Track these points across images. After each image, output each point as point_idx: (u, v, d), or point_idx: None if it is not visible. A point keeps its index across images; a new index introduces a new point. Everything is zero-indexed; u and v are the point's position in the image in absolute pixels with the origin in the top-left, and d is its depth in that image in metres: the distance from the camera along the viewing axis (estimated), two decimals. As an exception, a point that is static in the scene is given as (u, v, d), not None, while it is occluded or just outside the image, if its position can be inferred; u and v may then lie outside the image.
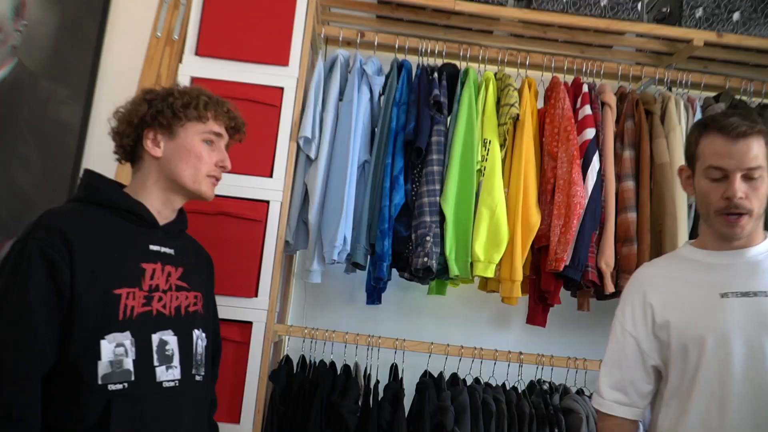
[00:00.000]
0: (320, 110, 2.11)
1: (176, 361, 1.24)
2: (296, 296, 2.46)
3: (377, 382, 2.13)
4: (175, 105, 1.29)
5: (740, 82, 2.36)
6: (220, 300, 1.63)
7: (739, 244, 1.34)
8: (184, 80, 2.06)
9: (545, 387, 2.19)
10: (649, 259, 2.03)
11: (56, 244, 1.12)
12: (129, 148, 1.31)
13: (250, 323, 1.98)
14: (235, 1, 2.10)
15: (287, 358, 2.19)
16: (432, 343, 2.17)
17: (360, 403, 2.02)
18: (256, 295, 1.99)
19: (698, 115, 2.18)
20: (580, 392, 2.19)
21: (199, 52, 2.08)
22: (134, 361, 1.17)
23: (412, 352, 2.18)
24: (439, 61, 2.29)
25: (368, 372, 2.16)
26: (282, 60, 2.08)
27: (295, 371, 2.16)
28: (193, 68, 2.07)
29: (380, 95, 2.18)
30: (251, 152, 2.03)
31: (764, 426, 1.22)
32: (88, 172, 1.32)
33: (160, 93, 1.31)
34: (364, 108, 2.12)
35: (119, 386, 1.14)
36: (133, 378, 1.16)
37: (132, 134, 1.30)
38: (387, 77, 2.19)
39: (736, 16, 2.24)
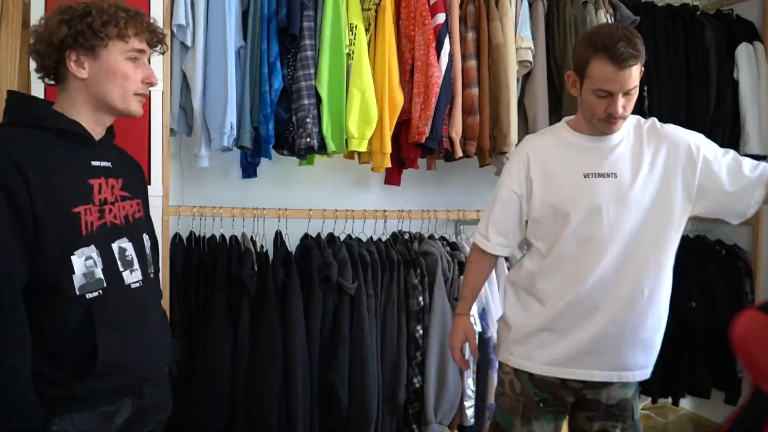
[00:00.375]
0: (190, -5, 2.11)
1: (136, 264, 1.38)
2: (173, 176, 2.55)
3: (265, 248, 2.42)
4: (95, 25, 1.28)
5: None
6: None
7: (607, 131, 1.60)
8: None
9: (406, 236, 2.64)
10: (489, 127, 2.46)
11: (10, 171, 1.17)
12: (51, 68, 1.32)
13: (146, 210, 2.09)
14: None
15: (179, 236, 2.36)
16: (311, 210, 2.47)
17: (256, 269, 2.30)
18: (149, 183, 2.07)
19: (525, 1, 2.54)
20: (432, 237, 2.68)
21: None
22: (103, 270, 1.30)
23: (293, 218, 2.47)
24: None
25: (255, 240, 2.42)
26: (145, -59, 2.01)
27: (189, 247, 2.34)
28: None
29: (247, -22, 2.22)
30: (125, 41, 2.00)
31: (628, 269, 1.55)
32: (13, 93, 1.32)
33: (78, 12, 1.30)
34: (235, -7, 2.16)
35: (95, 293, 1.28)
36: (105, 285, 1.29)
37: (54, 55, 1.29)
38: (253, -41, 2.21)
39: None
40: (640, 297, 1.56)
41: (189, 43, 2.12)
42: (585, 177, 1.58)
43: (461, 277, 2.42)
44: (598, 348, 1.58)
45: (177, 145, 2.50)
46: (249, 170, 2.55)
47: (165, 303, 2.13)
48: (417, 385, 2.42)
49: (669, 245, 1.57)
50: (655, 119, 1.64)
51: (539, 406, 1.66)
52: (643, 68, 1.50)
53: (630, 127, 1.61)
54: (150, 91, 2.01)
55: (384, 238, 2.61)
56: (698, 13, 2.92)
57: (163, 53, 1.49)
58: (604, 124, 1.54)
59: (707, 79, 2.82)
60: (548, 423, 1.67)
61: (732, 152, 1.59)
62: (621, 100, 1.48)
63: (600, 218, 1.55)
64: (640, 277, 1.56)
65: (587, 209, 1.56)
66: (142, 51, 1.37)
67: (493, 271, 2.09)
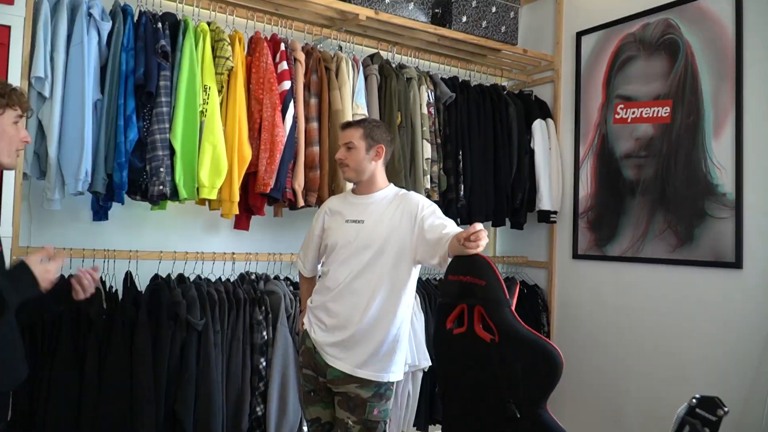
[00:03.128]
0: (50, 50, 2.27)
1: None
2: (22, 218, 2.59)
3: (114, 289, 2.55)
4: None
5: (387, 46, 3.24)
6: None
7: (364, 190, 2.28)
8: None
9: (253, 277, 2.88)
10: (328, 181, 2.82)
11: None
12: None
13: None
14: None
15: (25, 277, 2.41)
16: (161, 252, 2.65)
17: (105, 307, 2.42)
18: (-1, 224, 2.17)
19: (361, 74, 2.96)
20: (277, 278, 2.95)
21: None
22: None
23: (144, 260, 2.63)
24: (157, 4, 2.59)
25: (105, 281, 2.54)
26: (6, -2, 2.15)
27: (35, 287, 2.41)
28: None
29: (108, 38, 2.41)
30: (-19, 89, 2.11)
31: (351, 292, 2.18)
32: None
33: None
34: (93, 50, 2.34)
35: None
36: None
37: None
38: (113, 20, 2.42)
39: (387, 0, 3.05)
40: (368, 313, 2.16)
41: (47, 94, 2.26)
42: (346, 222, 2.25)
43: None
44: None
45: (26, 188, 2.57)
46: (100, 213, 2.67)
47: (9, 341, 2.20)
48: (260, 413, 2.64)
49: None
50: (412, 193, 2.31)
51: (310, 394, 2.27)
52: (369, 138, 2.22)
53: (390, 194, 2.28)
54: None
55: (232, 279, 2.84)
56: (504, 92, 3.53)
57: (30, 116, 1.69)
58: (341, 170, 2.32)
59: (510, 146, 3.41)
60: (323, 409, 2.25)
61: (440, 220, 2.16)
62: (343, 151, 2.24)
63: (349, 251, 2.20)
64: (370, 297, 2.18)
65: (344, 243, 2.22)
66: (20, 116, 1.60)
67: None
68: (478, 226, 1.84)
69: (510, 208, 3.43)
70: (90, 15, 2.34)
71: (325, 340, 2.20)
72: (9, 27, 2.16)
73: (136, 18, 2.49)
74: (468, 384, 1.90)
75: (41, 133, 2.30)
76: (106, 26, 2.38)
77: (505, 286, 1.80)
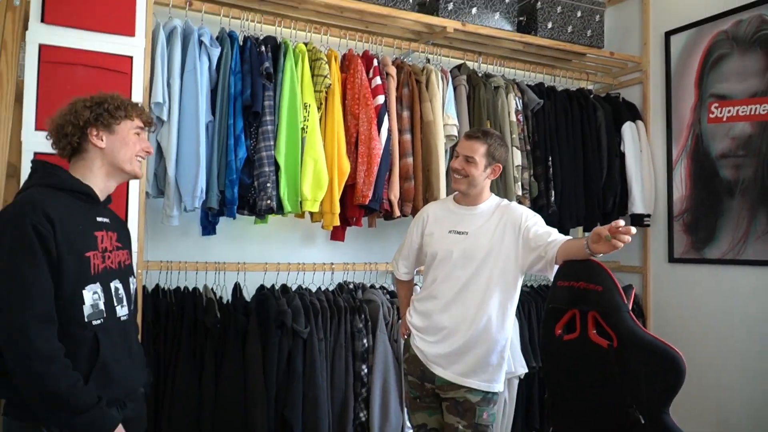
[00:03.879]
0: (167, 77, 2.44)
1: (125, 302, 1.69)
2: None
3: (221, 298, 2.69)
4: (110, 108, 1.65)
5: (473, 56, 3.29)
6: None
7: (469, 202, 2.27)
8: (31, 47, 2.18)
9: (351, 286, 2.97)
10: (422, 191, 2.88)
11: (43, 222, 1.48)
12: (75, 143, 1.64)
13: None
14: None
15: (145, 289, 2.59)
16: (266, 263, 2.78)
17: (219, 316, 2.56)
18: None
19: (450, 84, 3.02)
20: (373, 287, 3.03)
21: (45, 20, 2.20)
22: (104, 303, 1.60)
23: (251, 271, 2.76)
24: (257, 28, 2.74)
25: (215, 292, 2.69)
26: (129, 30, 2.32)
27: (156, 298, 2.58)
28: (40, 35, 2.19)
29: (217, 62, 2.56)
30: (109, 116, 2.29)
31: (457, 305, 2.19)
32: (41, 161, 1.62)
33: (96, 100, 1.67)
34: (205, 75, 2.50)
35: (99, 321, 1.57)
36: (105, 315, 1.60)
37: (77, 133, 1.63)
38: (220, 46, 2.57)
39: (474, 10, 3.09)
40: (477, 324, 2.16)
41: (165, 117, 2.43)
42: (449, 232, 2.25)
43: (400, 321, 2.79)
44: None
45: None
46: (209, 228, 2.83)
47: (137, 348, 2.36)
48: (363, 419, 2.72)
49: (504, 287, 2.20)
50: (515, 204, 2.30)
51: (416, 401, 2.29)
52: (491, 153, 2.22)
53: (492, 205, 2.27)
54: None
55: (331, 288, 2.94)
56: (591, 96, 3.50)
57: (153, 131, 1.83)
58: (453, 179, 2.27)
59: (599, 151, 3.38)
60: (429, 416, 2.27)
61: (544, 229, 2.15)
62: (462, 161, 2.21)
63: (452, 263, 2.20)
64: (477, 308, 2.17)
65: (445, 254, 2.22)
66: (141, 128, 1.73)
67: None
68: (621, 222, 1.79)
69: (602, 212, 3.39)
70: (201, 42, 2.50)
71: (430, 350, 2.21)
72: (131, 57, 2.33)
73: (241, 42, 2.64)
74: (582, 390, 1.90)
75: (160, 154, 2.46)
76: (216, 52, 2.53)
77: (622, 291, 1.80)
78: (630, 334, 1.81)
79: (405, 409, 2.76)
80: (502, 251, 2.17)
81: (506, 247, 2.17)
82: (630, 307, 1.90)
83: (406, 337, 2.35)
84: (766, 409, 2.92)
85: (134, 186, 2.35)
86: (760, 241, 3.01)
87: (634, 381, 1.70)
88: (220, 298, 2.71)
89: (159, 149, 2.46)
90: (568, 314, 2.03)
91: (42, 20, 2.20)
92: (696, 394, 3.21)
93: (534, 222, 2.18)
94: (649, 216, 3.46)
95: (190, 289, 2.67)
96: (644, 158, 3.47)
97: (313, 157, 2.62)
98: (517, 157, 3.07)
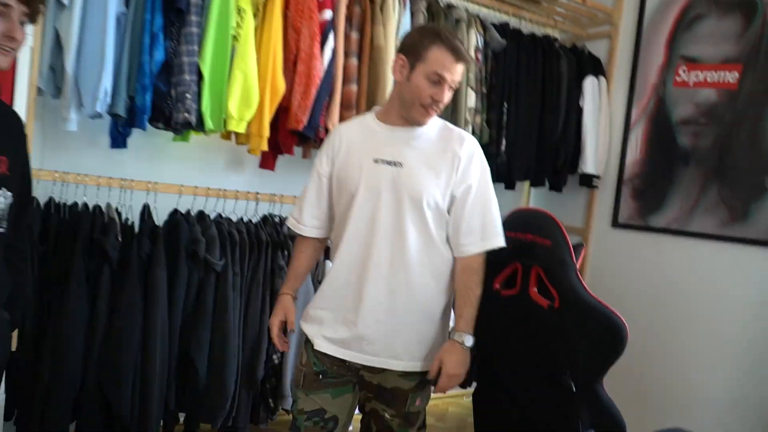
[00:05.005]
0: (72, -48, 2.05)
1: None
2: (34, 139, 2.42)
3: (131, 221, 2.38)
4: None
5: (436, -18, 2.98)
6: None
7: (403, 122, 1.68)
8: None
9: (276, 220, 2.71)
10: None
11: None
12: None
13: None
14: None
15: (36, 201, 2.25)
16: (182, 186, 2.47)
17: (120, 239, 2.26)
18: (9, 142, 1.99)
19: (408, 9, 2.72)
20: (301, 224, 2.77)
21: None
22: None
23: (163, 193, 2.46)
24: None
25: (120, 212, 2.38)
26: None
27: (48, 213, 2.25)
28: None
29: (136, -55, 2.19)
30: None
31: (398, 257, 1.63)
32: None
33: None
34: (120, -43, 2.12)
35: None
36: None
37: None
38: (143, -74, 2.19)
39: (441, -72, 2.78)
40: (411, 286, 1.64)
41: (65, 1, 2.05)
42: (375, 162, 1.65)
43: (327, 260, 2.55)
44: (372, 333, 1.64)
45: (41, 107, 2.39)
46: (119, 140, 2.49)
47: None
48: (276, 362, 2.51)
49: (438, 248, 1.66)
50: (475, 141, 1.72)
51: (318, 378, 1.70)
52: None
53: (435, 128, 1.71)
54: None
55: (255, 220, 2.67)
56: (557, 45, 3.27)
57: (33, 16, 1.42)
58: (422, 111, 1.62)
59: (558, 103, 3.17)
60: (332, 398, 1.69)
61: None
62: (447, 91, 1.61)
63: (379, 203, 1.63)
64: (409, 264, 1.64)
65: (370, 193, 1.64)
66: (5, 5, 1.31)
67: None
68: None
69: (552, 168, 3.21)
70: None
71: (345, 335, 1.66)
72: None
73: (169, -75, 2.26)
74: (515, 350, 1.74)
75: (58, 45, 2.10)
76: (136, -70, 2.15)
77: (572, 248, 1.62)
78: (574, 295, 1.66)
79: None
80: (439, 195, 1.65)
81: (441, 190, 1.65)
82: (578, 266, 1.73)
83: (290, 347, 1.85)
84: (701, 383, 2.87)
85: (23, 78, 2.00)
86: (708, 215, 2.90)
87: (571, 346, 1.55)
88: (126, 220, 2.40)
89: (58, 39, 2.09)
90: (509, 268, 1.87)
91: None
92: (623, 366, 3.14)
93: (479, 188, 1.67)
94: (598, 177, 3.32)
95: (90, 206, 2.34)
96: (602, 117, 3.29)
97: (243, 71, 2.30)
98: (471, 99, 2.83)
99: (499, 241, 1.66)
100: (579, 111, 3.24)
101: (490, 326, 1.86)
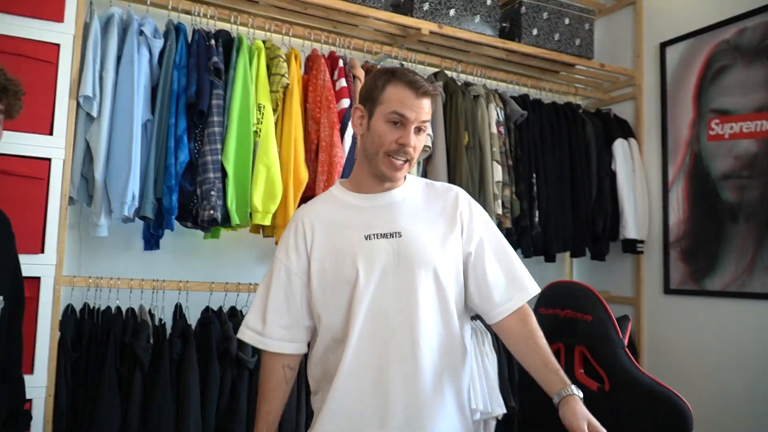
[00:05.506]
0: (99, 69, 2.17)
1: None
2: (70, 246, 2.48)
3: (163, 321, 2.38)
4: None
5: (452, 63, 3.03)
6: None
7: (388, 186, 1.48)
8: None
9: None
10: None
11: None
12: None
13: (38, 278, 2.04)
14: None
15: (71, 308, 2.28)
16: (212, 283, 2.47)
17: (152, 341, 2.24)
18: (42, 251, 2.04)
19: (425, 91, 2.75)
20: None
21: (-40, 0, 1.95)
22: None
23: (195, 291, 2.46)
24: (211, 24, 2.48)
25: (154, 313, 2.38)
26: (57, 16, 2.07)
27: (82, 319, 2.27)
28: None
29: (159, 56, 2.30)
30: (29, 109, 1.99)
31: (411, 356, 1.38)
32: None
33: None
34: (144, 69, 2.23)
35: None
36: None
37: None
38: (165, 39, 2.31)
39: (452, 12, 2.85)
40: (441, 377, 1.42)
41: (95, 114, 2.15)
42: (367, 239, 1.42)
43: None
44: None
45: (77, 215, 2.46)
46: (152, 242, 2.52)
47: (50, 376, 2.05)
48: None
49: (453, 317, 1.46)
50: (463, 190, 1.56)
51: None
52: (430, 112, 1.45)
53: (418, 188, 1.53)
54: (51, 159, 2.06)
55: (287, 313, 2.62)
56: (580, 111, 3.24)
57: (11, 114, 1.45)
58: (388, 161, 1.41)
59: (588, 169, 3.10)
60: None
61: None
62: (413, 133, 1.41)
63: (386, 285, 1.40)
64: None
65: (373, 275, 1.40)
66: None
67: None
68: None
69: (590, 236, 3.10)
70: (141, 33, 2.24)
71: None
72: (58, 45, 2.07)
73: (189, 36, 2.38)
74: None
75: (89, 155, 2.18)
76: (158, 44, 2.27)
77: (616, 322, 1.51)
78: (625, 376, 1.52)
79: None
80: (450, 253, 1.46)
81: (452, 248, 1.46)
82: (626, 343, 1.61)
83: None
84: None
85: (55, 188, 2.07)
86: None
87: None
88: (161, 320, 2.40)
89: (89, 149, 2.18)
90: (551, 349, 1.73)
91: (-43, -1, 1.95)
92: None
93: (491, 239, 1.50)
94: (642, 242, 3.17)
95: (124, 309, 2.35)
96: (637, 178, 3.19)
97: (266, 164, 2.34)
98: (498, 173, 2.79)
99: (535, 287, 1.48)
100: (612, 175, 3.15)
101: (536, 412, 1.73)
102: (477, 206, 1.55)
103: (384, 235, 1.43)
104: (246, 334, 1.51)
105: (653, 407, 1.41)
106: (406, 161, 1.43)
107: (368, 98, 1.46)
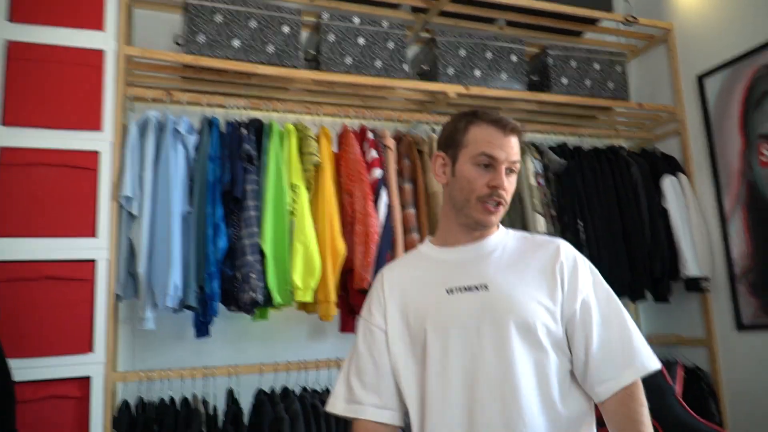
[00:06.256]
0: (138, 169, 2.28)
1: None
2: (123, 341, 2.55)
3: (215, 407, 2.38)
4: None
5: (483, 121, 3.02)
6: (55, 360, 1.78)
7: (477, 236, 1.36)
8: (-9, 150, 2.08)
9: (361, 385, 2.61)
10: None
11: None
12: None
13: (88, 378, 2.09)
14: (40, 69, 2.17)
15: (126, 403, 2.31)
16: (262, 364, 2.47)
17: (204, 430, 2.24)
18: (91, 350, 2.10)
19: (456, 152, 2.75)
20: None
21: (6, 122, 2.10)
22: None
23: (246, 374, 2.46)
24: (244, 114, 2.59)
25: (206, 400, 2.39)
26: (95, 125, 2.21)
27: (135, 414, 2.29)
28: (1, 138, 2.09)
29: (195, 151, 2.40)
30: (72, 215, 2.14)
31: (480, 415, 1.22)
32: None
33: None
34: (181, 164, 2.33)
35: None
36: None
37: None
38: (200, 133, 2.42)
39: (477, 73, 2.87)
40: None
41: (136, 212, 2.25)
42: (449, 293, 1.29)
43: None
44: None
45: (129, 310, 2.54)
46: (202, 330, 2.56)
47: (107, 473, 2.07)
48: None
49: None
50: (569, 246, 1.37)
51: None
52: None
53: (513, 238, 1.39)
54: (95, 261, 2.15)
55: (340, 389, 2.58)
56: (625, 153, 3.15)
57: None
58: (480, 207, 1.30)
59: (638, 210, 2.98)
60: None
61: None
62: (504, 174, 1.30)
63: (472, 342, 1.24)
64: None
65: (453, 332, 1.26)
66: None
67: None
68: None
69: (650, 278, 2.94)
70: (177, 131, 2.35)
71: None
72: (98, 153, 2.20)
73: (223, 128, 2.49)
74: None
75: (133, 252, 2.26)
76: (192, 139, 2.38)
77: (665, 370, 1.40)
78: (679, 423, 1.40)
79: None
80: (546, 310, 1.27)
81: (547, 303, 1.28)
82: (679, 390, 1.49)
83: None
84: None
85: (101, 287, 2.15)
86: None
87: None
88: (214, 408, 2.40)
89: (132, 247, 2.27)
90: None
91: (2, 122, 2.10)
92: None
93: (599, 299, 1.29)
94: (707, 279, 2.99)
95: (177, 399, 2.37)
96: (692, 214, 3.04)
97: (303, 242, 2.37)
98: (540, 224, 2.72)
99: (654, 362, 1.25)
100: (664, 213, 3.02)
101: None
102: (584, 261, 1.34)
103: (467, 288, 1.28)
104: (333, 404, 1.36)
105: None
106: (499, 204, 1.31)
107: (450, 143, 1.36)
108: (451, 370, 1.24)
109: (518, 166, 1.35)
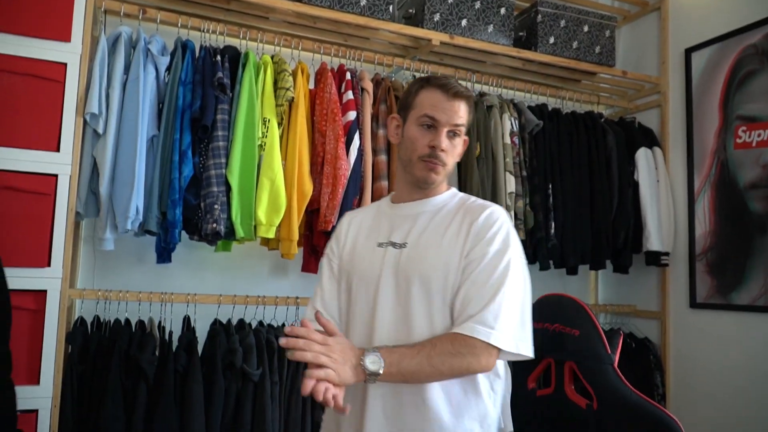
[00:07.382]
0: (106, 86, 2.22)
1: None
2: (85, 260, 2.54)
3: (171, 333, 2.40)
4: None
5: (466, 74, 2.99)
6: (13, 271, 1.77)
7: (422, 194, 1.45)
8: (-47, 51, 2.01)
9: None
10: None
11: None
12: None
13: (44, 291, 2.09)
14: (9, -29, 2.08)
15: (81, 320, 2.33)
16: (221, 295, 2.48)
17: (157, 354, 2.27)
18: (49, 265, 2.09)
19: (434, 102, 2.72)
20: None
21: (-32, 23, 2.03)
22: None
23: (203, 304, 2.48)
24: (221, 41, 2.52)
25: (162, 325, 2.41)
26: (64, 36, 2.14)
27: (90, 331, 2.31)
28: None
29: (166, 73, 2.34)
30: (36, 127, 2.09)
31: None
32: None
33: None
34: (150, 86, 2.27)
35: None
36: None
37: None
38: (172, 56, 2.35)
39: (464, 22, 2.81)
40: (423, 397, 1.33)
41: (101, 131, 2.20)
42: (378, 246, 1.43)
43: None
44: None
45: (90, 230, 2.52)
46: (164, 255, 2.55)
47: (56, 387, 2.09)
48: (318, 478, 2.36)
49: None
50: (502, 212, 1.41)
51: None
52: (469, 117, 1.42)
53: (452, 202, 1.46)
54: (57, 175, 2.12)
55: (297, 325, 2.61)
56: (602, 120, 3.14)
57: None
58: (421, 165, 1.40)
59: (609, 179, 3.00)
60: None
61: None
62: (445, 139, 1.38)
63: (377, 295, 1.37)
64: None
65: (366, 282, 1.40)
66: None
67: None
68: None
69: (612, 248, 2.99)
70: (148, 50, 2.28)
71: None
72: (65, 64, 2.13)
73: (197, 53, 2.42)
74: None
75: (96, 171, 2.23)
76: (164, 61, 2.31)
77: (605, 338, 1.45)
78: (611, 392, 1.46)
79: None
80: (451, 270, 1.35)
81: (454, 263, 1.35)
82: (616, 359, 1.54)
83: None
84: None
85: (62, 203, 2.12)
86: (798, 285, 2.57)
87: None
88: (170, 333, 2.43)
89: (96, 165, 2.23)
90: (542, 364, 1.68)
91: (-36, 23, 2.02)
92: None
93: (492, 260, 1.32)
94: (667, 254, 3.05)
95: (133, 322, 2.39)
96: (662, 188, 3.07)
97: (270, 177, 2.35)
98: (511, 184, 2.73)
99: (502, 341, 1.24)
100: (635, 185, 3.04)
101: (527, 429, 1.67)
102: (505, 230, 1.37)
103: (393, 244, 1.41)
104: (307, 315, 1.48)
105: (640, 425, 1.35)
106: (438, 158, 1.39)
107: (403, 106, 1.48)
108: (364, 315, 1.39)
109: (463, 130, 1.42)
